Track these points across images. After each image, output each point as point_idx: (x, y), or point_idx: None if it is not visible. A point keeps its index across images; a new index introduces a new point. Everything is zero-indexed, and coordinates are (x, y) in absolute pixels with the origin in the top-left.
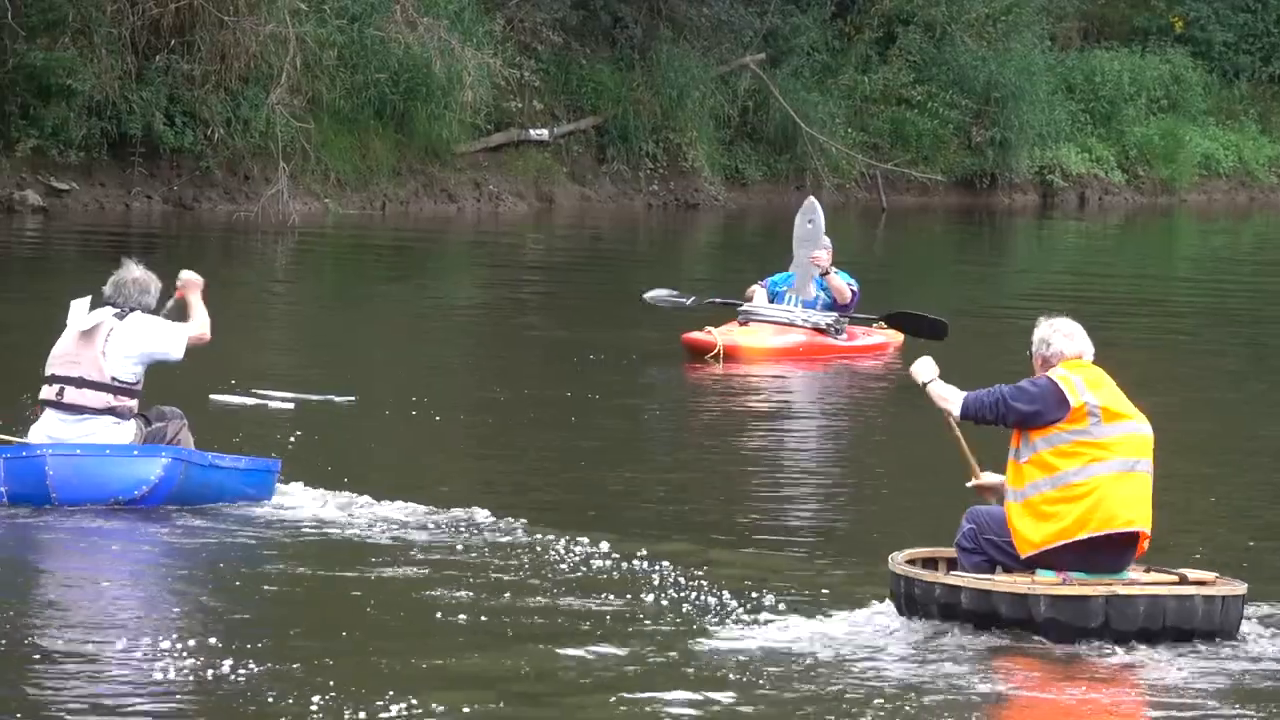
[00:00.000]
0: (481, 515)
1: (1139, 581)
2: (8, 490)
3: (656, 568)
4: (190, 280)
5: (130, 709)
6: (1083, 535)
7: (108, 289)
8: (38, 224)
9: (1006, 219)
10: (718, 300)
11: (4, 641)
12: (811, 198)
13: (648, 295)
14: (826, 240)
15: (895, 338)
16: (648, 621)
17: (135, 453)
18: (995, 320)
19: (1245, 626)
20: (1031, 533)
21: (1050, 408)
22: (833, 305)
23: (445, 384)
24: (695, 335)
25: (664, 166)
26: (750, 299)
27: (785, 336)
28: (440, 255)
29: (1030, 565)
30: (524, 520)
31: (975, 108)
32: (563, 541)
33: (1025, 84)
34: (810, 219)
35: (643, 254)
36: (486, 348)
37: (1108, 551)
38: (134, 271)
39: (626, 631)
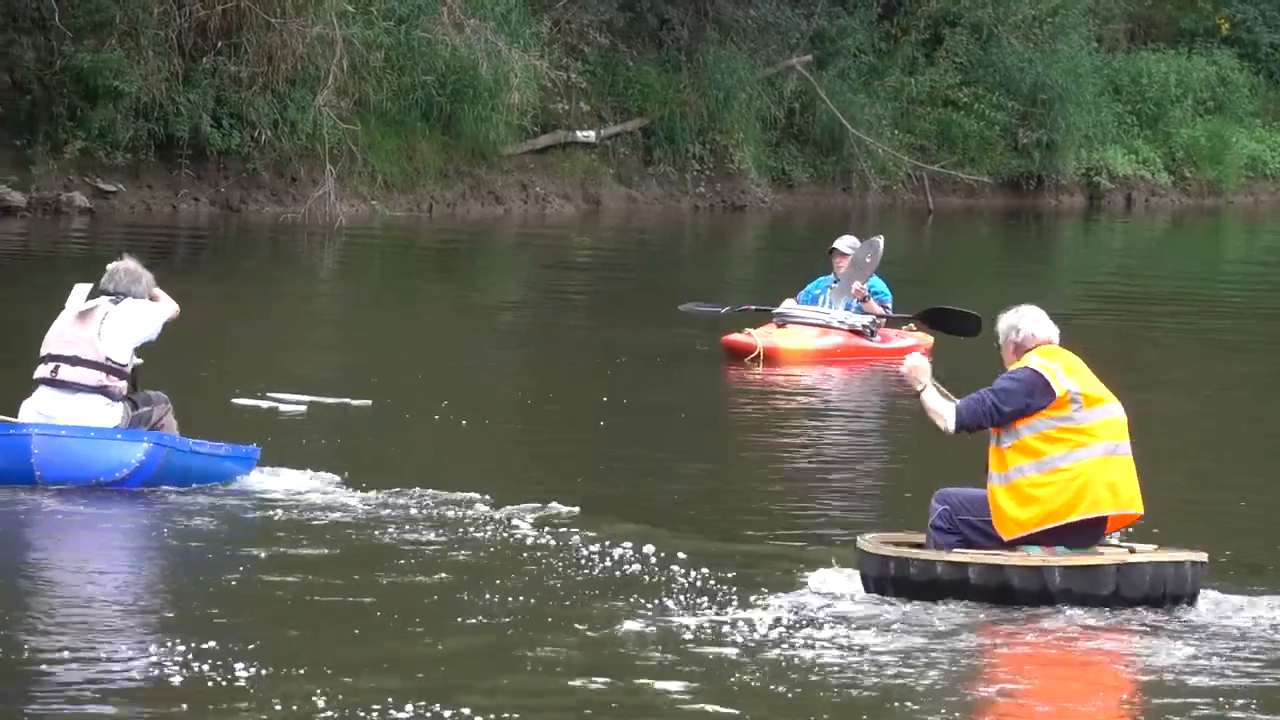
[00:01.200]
0: (497, 508)
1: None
2: None
3: (682, 563)
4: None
5: (116, 691)
6: (1073, 518)
7: (104, 278)
8: (84, 225)
9: (1053, 221)
10: (752, 308)
11: None
12: (880, 239)
13: (682, 307)
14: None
15: (926, 340)
16: (678, 614)
17: (119, 436)
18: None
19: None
20: (1018, 514)
21: (1036, 397)
22: (863, 309)
23: (480, 383)
24: (735, 337)
25: (710, 168)
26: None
27: (824, 339)
28: (486, 256)
29: (1014, 545)
30: (542, 511)
31: (1022, 109)
32: (581, 536)
33: (1072, 85)
34: (870, 256)
35: (689, 256)
36: (526, 348)
37: (1089, 531)
38: (127, 262)
39: (651, 621)
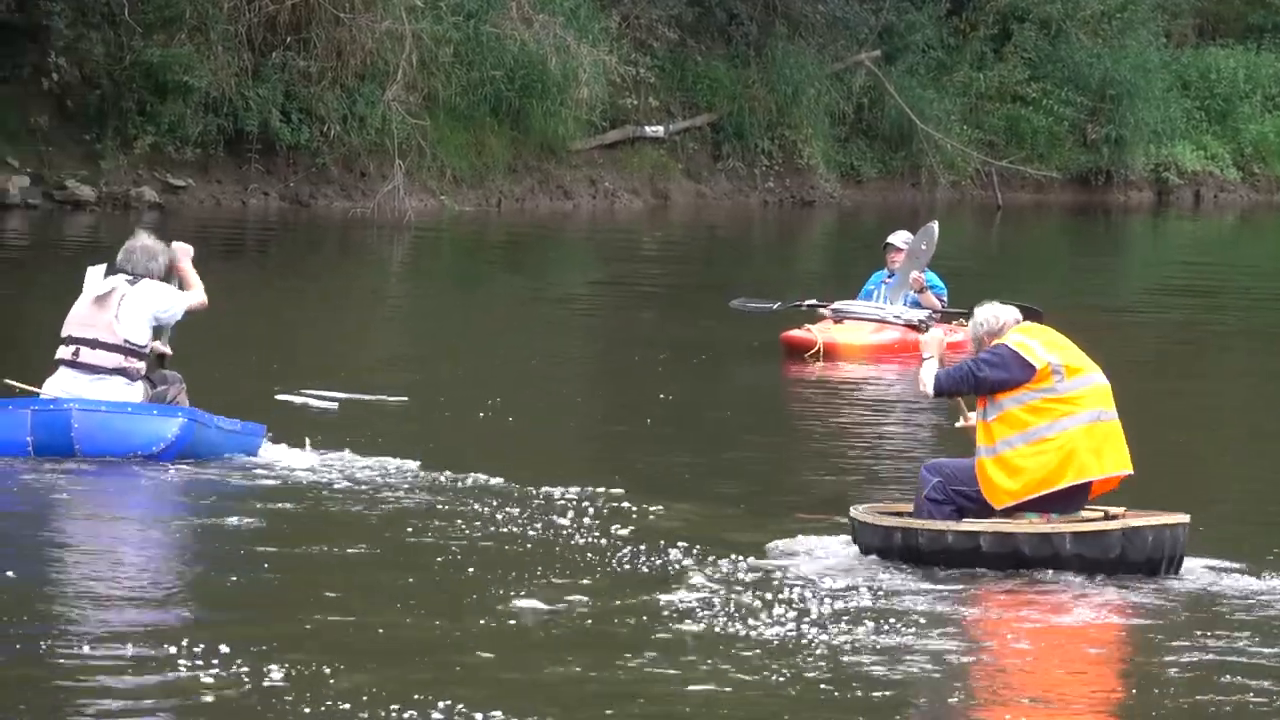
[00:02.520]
0: (537, 498)
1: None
2: (33, 441)
3: (724, 551)
4: (180, 248)
5: (141, 669)
6: (1061, 485)
7: (120, 256)
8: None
9: (1121, 216)
10: (804, 304)
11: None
12: (934, 224)
13: (733, 303)
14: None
15: None
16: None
17: (155, 412)
18: (1113, 314)
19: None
20: (1008, 484)
21: (1015, 372)
22: (920, 303)
23: (535, 377)
24: (795, 333)
25: (779, 163)
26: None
27: (881, 334)
28: (554, 251)
29: (1008, 514)
30: (581, 498)
31: (1090, 105)
32: (622, 524)
33: (1140, 81)
34: (925, 242)
35: (758, 251)
36: (589, 343)
37: (1076, 497)
38: (143, 240)
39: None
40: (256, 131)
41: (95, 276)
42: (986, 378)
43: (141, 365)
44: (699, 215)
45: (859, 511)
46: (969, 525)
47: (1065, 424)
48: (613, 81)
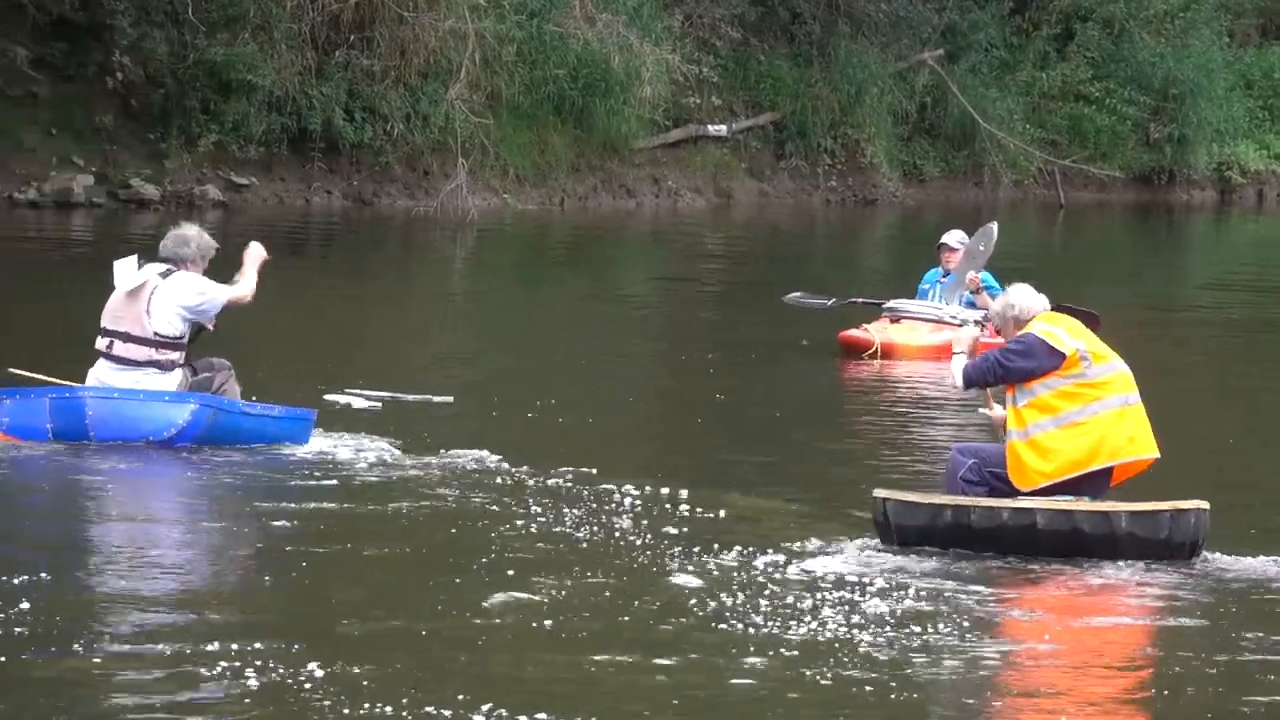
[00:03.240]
0: (588, 492)
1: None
2: (52, 427)
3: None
4: (254, 249)
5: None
6: (1094, 467)
7: (161, 245)
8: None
9: (1184, 216)
10: (859, 300)
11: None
12: (994, 224)
13: (787, 298)
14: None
15: None
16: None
17: (166, 398)
18: (1176, 313)
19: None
20: (1041, 465)
21: (1044, 360)
22: (975, 304)
23: (590, 374)
24: (853, 333)
25: (842, 162)
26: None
27: (938, 334)
28: (617, 249)
29: (1037, 495)
30: (634, 491)
31: (1153, 104)
32: (667, 519)
33: (1203, 80)
34: (983, 243)
35: (821, 249)
36: (651, 341)
37: (1103, 479)
38: (181, 229)
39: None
40: (320, 130)
41: (124, 269)
42: (1015, 367)
43: (175, 355)
44: (761, 214)
45: (891, 494)
46: (1026, 503)
47: (1095, 408)
48: (675, 80)
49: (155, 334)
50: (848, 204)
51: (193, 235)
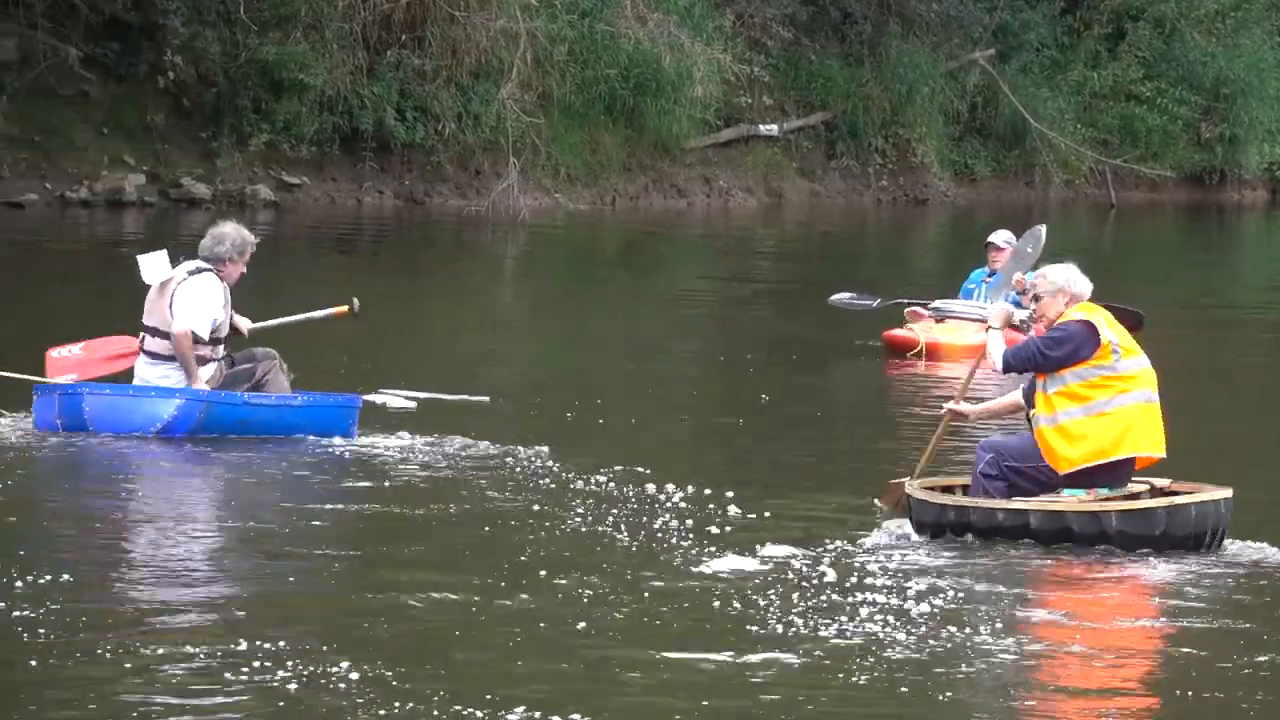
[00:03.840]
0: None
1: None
2: (62, 421)
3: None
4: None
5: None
6: (1118, 455)
7: (200, 243)
8: (269, 218)
9: (1235, 215)
10: (904, 301)
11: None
12: (1042, 227)
13: (832, 299)
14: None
15: None
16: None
17: (152, 393)
18: (1227, 311)
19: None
20: (1068, 452)
21: (1083, 345)
22: (1021, 304)
23: (639, 374)
24: (898, 332)
25: (893, 162)
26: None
27: (983, 334)
28: (668, 249)
29: (1069, 480)
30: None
31: (1204, 104)
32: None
33: (1254, 80)
34: (1031, 245)
35: (872, 249)
36: (689, 341)
37: (1122, 470)
38: (218, 227)
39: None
40: (371, 129)
41: (149, 263)
42: (1054, 355)
43: (205, 350)
44: (813, 214)
45: (913, 488)
46: (1020, 504)
47: (1121, 400)
48: (727, 80)
49: (177, 334)
50: (899, 204)
51: (227, 233)
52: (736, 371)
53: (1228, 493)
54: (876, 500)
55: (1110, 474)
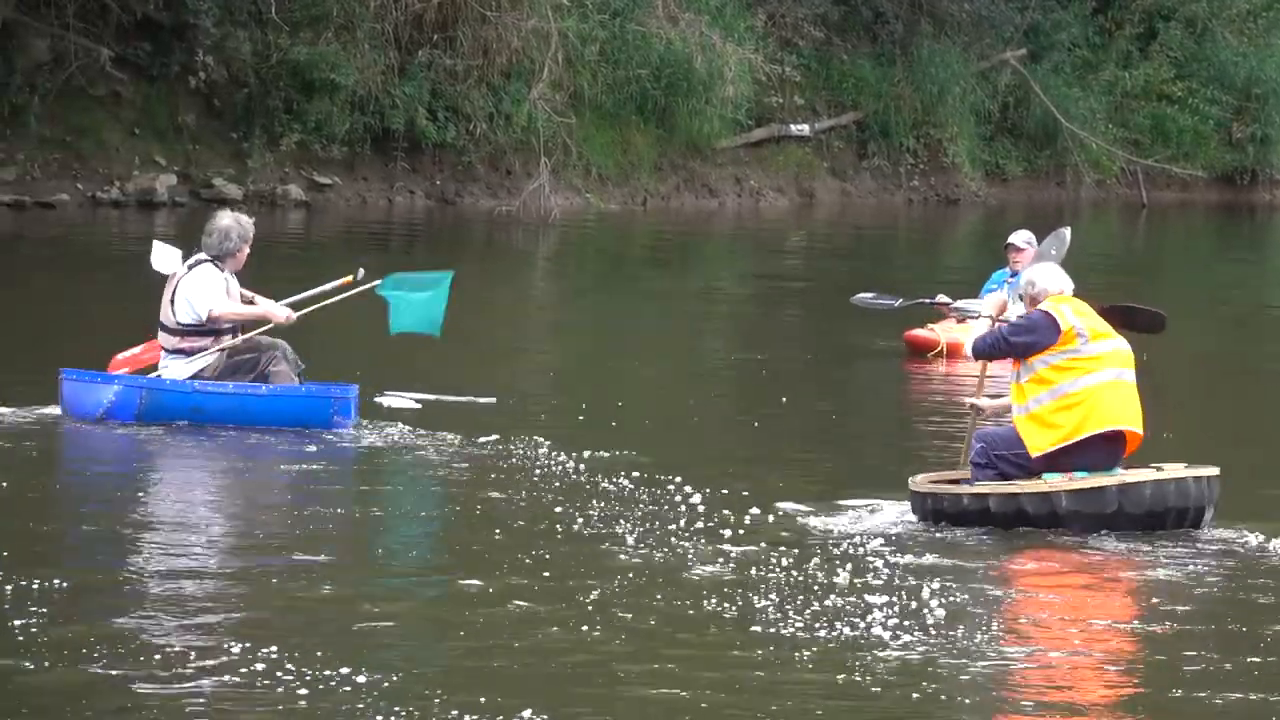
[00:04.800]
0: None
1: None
2: (60, 407)
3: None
4: (277, 313)
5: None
6: (1084, 435)
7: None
8: (300, 218)
9: (1267, 215)
10: (926, 301)
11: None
12: (1066, 229)
13: (855, 299)
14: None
15: None
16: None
17: (97, 380)
18: (1257, 311)
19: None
20: (1040, 439)
21: (1044, 334)
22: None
23: (644, 376)
24: (918, 333)
25: (924, 162)
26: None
27: None
28: (699, 249)
29: (1044, 465)
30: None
31: (1235, 104)
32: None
33: None
34: (1055, 248)
35: (904, 249)
36: (709, 341)
37: (1104, 449)
38: (214, 220)
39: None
40: (402, 130)
41: (161, 252)
42: (1018, 341)
43: (203, 342)
44: (844, 213)
45: (912, 481)
46: (980, 489)
47: (1087, 380)
48: (758, 80)
49: (178, 323)
50: (930, 204)
51: (230, 226)
52: (755, 372)
53: (1199, 471)
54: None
55: (1085, 455)
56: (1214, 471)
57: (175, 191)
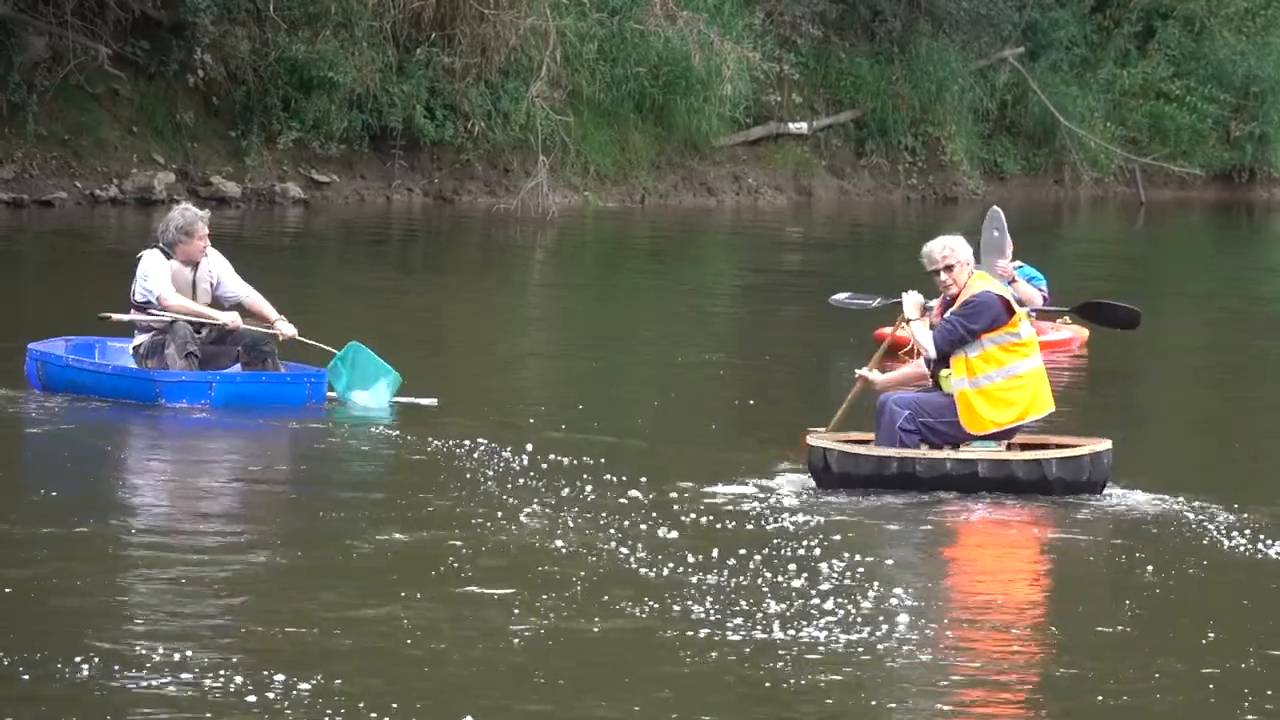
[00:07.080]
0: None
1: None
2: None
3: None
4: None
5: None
6: (1030, 418)
7: None
8: (299, 216)
9: (1264, 214)
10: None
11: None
12: (996, 208)
13: (833, 299)
14: (1010, 248)
15: (1081, 332)
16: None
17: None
18: (1257, 307)
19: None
20: (992, 415)
21: (1000, 314)
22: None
23: (625, 379)
24: (889, 331)
25: (922, 160)
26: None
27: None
28: (696, 248)
29: (976, 437)
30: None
31: (1233, 102)
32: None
33: None
34: (995, 229)
35: (902, 247)
36: (725, 340)
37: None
38: (169, 212)
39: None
40: (401, 128)
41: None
42: (975, 329)
43: (146, 319)
44: (842, 212)
45: (829, 442)
46: (967, 453)
47: (1027, 365)
48: (756, 78)
49: (133, 302)
50: (928, 201)
51: (171, 218)
52: (724, 372)
53: (1101, 445)
54: (787, 453)
55: (1009, 433)
56: (1109, 444)
57: (173, 189)
